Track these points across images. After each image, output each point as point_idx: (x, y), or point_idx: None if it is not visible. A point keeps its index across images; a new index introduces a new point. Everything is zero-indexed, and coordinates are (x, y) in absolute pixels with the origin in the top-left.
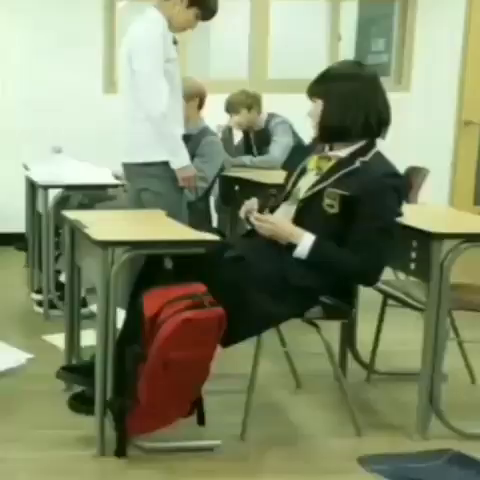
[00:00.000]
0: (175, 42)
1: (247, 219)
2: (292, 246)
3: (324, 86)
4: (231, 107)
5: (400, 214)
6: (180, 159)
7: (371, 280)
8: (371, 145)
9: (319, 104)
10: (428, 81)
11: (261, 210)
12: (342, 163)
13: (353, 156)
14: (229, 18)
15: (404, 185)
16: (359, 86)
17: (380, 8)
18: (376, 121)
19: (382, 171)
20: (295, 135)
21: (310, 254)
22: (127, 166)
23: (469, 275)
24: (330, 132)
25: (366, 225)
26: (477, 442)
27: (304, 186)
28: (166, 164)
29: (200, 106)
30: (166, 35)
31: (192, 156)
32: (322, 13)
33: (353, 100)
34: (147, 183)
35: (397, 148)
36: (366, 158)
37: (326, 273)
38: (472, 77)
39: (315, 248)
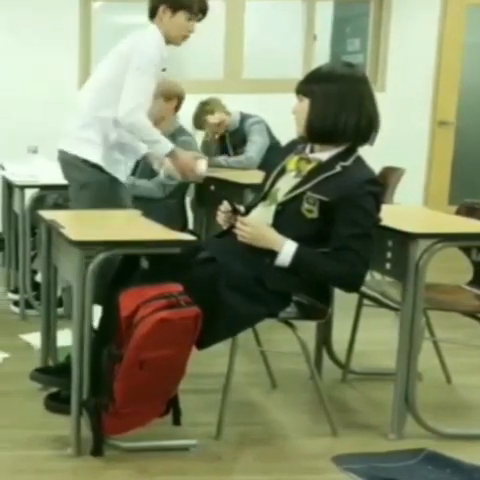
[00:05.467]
0: (163, 69)
1: (227, 223)
2: (270, 250)
3: (312, 85)
4: (197, 121)
5: (378, 220)
6: (162, 146)
7: (353, 287)
8: (352, 150)
9: (305, 103)
10: (403, 81)
11: (235, 213)
12: (322, 167)
13: (334, 160)
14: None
15: (383, 192)
16: (348, 88)
17: (355, 8)
18: (367, 125)
19: (362, 177)
20: (271, 135)
21: (292, 263)
22: (64, 169)
23: (444, 275)
24: (321, 133)
25: (346, 232)
26: (452, 441)
27: (283, 187)
28: (93, 167)
29: (177, 108)
30: (162, 60)
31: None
32: (297, 13)
33: (343, 102)
34: (76, 194)
35: (372, 148)
36: (347, 163)
37: (305, 277)
38: (447, 77)
39: (297, 257)
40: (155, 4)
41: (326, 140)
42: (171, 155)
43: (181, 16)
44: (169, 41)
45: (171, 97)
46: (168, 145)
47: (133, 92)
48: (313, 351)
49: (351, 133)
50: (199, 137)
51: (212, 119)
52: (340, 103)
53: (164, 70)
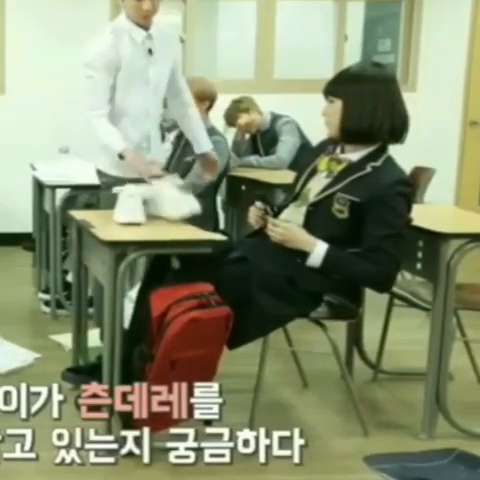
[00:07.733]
0: (150, 51)
1: (259, 223)
2: (301, 250)
3: (344, 86)
4: (230, 119)
5: (409, 220)
6: (112, 146)
7: (384, 287)
8: (383, 150)
9: (337, 104)
10: (434, 81)
11: (266, 213)
12: (353, 167)
13: (364, 160)
14: (236, 18)
15: (413, 192)
16: (381, 88)
17: (386, 8)
18: (400, 124)
19: (393, 178)
20: (301, 135)
21: (323, 263)
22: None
23: (474, 275)
24: (356, 134)
25: (377, 232)
26: None
27: (314, 188)
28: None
29: (209, 108)
30: (122, 45)
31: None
32: (328, 13)
33: (377, 102)
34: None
35: (403, 148)
36: (377, 163)
37: (336, 277)
38: (478, 77)
39: (328, 258)
40: None
41: (361, 140)
42: (122, 156)
43: None
44: (138, 24)
45: (204, 98)
46: (117, 147)
47: (85, 100)
48: (344, 351)
49: (386, 132)
50: (230, 136)
51: (242, 119)
52: (374, 103)
53: (150, 52)
